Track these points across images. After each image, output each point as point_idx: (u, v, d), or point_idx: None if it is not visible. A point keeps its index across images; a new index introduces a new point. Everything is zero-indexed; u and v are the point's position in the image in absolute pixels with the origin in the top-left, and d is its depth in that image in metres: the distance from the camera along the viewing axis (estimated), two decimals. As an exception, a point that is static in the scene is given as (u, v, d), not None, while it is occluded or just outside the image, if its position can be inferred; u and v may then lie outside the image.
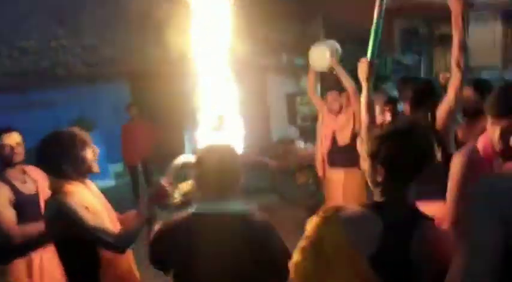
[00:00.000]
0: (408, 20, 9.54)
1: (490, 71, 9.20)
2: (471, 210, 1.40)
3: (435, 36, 9.74)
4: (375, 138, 1.51)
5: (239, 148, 2.20)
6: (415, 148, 1.44)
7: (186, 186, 2.12)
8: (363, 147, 2.43)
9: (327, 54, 4.35)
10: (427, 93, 2.77)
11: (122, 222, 2.24)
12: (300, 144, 6.72)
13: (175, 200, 2.07)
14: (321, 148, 4.64)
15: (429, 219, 1.44)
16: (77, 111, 7.24)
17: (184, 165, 2.21)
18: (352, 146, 4.17)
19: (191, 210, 1.74)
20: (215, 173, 1.70)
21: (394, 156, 1.45)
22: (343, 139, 4.41)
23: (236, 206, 1.71)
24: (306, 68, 5.15)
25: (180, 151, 8.80)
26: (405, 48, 9.46)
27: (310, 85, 4.75)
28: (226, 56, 2.29)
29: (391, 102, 3.68)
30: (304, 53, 4.87)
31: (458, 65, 2.42)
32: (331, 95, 4.50)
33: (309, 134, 6.70)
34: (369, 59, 2.38)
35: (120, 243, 2.01)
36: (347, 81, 4.29)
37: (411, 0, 8.52)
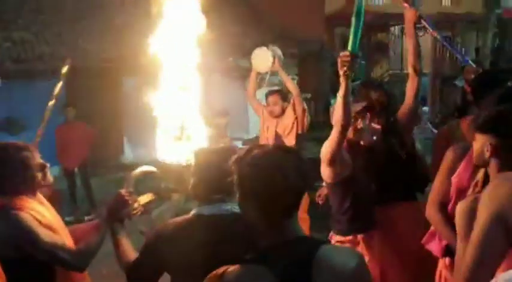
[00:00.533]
0: (348, 28, 9.92)
1: (422, 78, 9.88)
2: (477, 220, 1.48)
3: (372, 43, 10.24)
4: (239, 164, 1.24)
5: None
6: (278, 179, 1.19)
7: (145, 198, 2.00)
8: (327, 151, 2.31)
9: (270, 56, 4.44)
10: (389, 102, 2.72)
11: (72, 235, 2.03)
12: None
13: (135, 212, 1.92)
14: None
15: (326, 245, 1.24)
16: (5, 110, 6.73)
17: (144, 175, 2.10)
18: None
19: (193, 212, 1.65)
20: (216, 174, 1.63)
21: (260, 191, 1.20)
22: (290, 142, 4.47)
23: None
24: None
25: (119, 155, 8.48)
26: (326, 54, 9.80)
27: (251, 87, 4.77)
28: (178, 58, 2.20)
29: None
30: (249, 55, 4.91)
31: (415, 70, 2.62)
32: (272, 98, 4.54)
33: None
34: (350, 52, 2.12)
35: (79, 261, 1.84)
36: (291, 84, 4.45)
37: (349, 10, 8.87)
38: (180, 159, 2.07)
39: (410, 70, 2.65)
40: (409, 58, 2.66)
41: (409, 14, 2.67)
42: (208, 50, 2.22)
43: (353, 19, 2.18)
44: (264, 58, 4.49)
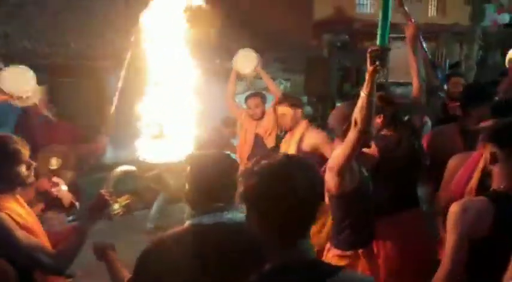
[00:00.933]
0: (335, 35, 10.00)
1: (405, 86, 10.05)
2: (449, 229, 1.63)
3: (358, 49, 10.31)
4: (247, 176, 1.15)
5: (182, 155, 2.05)
6: (291, 191, 1.09)
7: (124, 199, 1.97)
8: (340, 156, 2.19)
9: (254, 58, 4.52)
10: (406, 111, 2.76)
11: (51, 239, 1.96)
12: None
13: (115, 212, 1.91)
14: (241, 153, 4.68)
15: (343, 272, 1.14)
16: (-18, 106, 6.52)
17: (124, 175, 2.04)
18: (275, 149, 4.43)
19: (188, 222, 1.58)
20: (212, 180, 1.56)
21: (266, 205, 1.10)
22: (270, 143, 4.55)
23: (238, 215, 1.56)
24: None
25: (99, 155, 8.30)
26: (333, 60, 9.92)
27: (230, 89, 4.78)
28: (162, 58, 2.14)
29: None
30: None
31: (417, 77, 2.82)
32: (254, 101, 4.59)
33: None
34: (379, 45, 2.01)
35: (59, 264, 1.78)
36: (273, 87, 4.59)
37: (338, 17, 8.95)
38: (160, 157, 2.02)
39: (414, 79, 2.82)
40: (411, 66, 2.84)
41: (411, 29, 2.85)
42: (194, 50, 2.18)
43: (380, 12, 2.05)
44: (248, 59, 4.56)
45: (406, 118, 2.75)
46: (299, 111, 3.73)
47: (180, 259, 1.48)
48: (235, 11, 7.81)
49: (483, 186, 1.83)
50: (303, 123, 3.74)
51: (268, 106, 4.71)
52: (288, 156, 1.18)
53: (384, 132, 2.66)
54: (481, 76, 9.94)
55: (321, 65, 8.72)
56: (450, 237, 1.65)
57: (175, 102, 2.10)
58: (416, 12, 10.53)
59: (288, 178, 1.11)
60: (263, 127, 4.53)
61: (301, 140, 3.63)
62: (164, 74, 2.09)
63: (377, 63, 1.97)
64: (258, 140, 4.55)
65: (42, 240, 1.86)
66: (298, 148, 3.59)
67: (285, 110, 3.68)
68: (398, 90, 10.28)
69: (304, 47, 8.96)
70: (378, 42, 2.03)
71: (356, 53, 9.68)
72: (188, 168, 1.62)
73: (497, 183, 1.70)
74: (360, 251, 2.35)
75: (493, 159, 1.69)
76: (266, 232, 1.13)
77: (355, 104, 2.16)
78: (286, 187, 1.10)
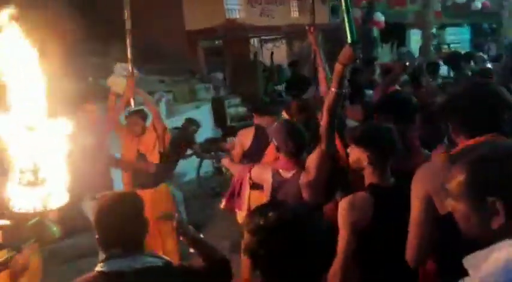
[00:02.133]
0: (210, 41, 10.18)
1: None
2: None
3: (234, 53, 10.65)
4: (254, 230, 1.13)
5: (62, 200, 1.81)
6: (304, 245, 1.09)
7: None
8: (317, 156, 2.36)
9: (124, 78, 4.47)
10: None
11: None
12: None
13: None
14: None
15: None
16: None
17: None
18: (158, 166, 4.46)
19: (97, 268, 1.49)
20: (120, 226, 1.51)
21: (277, 257, 1.09)
22: (154, 160, 4.51)
23: (150, 258, 1.54)
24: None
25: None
26: (210, 67, 10.10)
27: (111, 107, 4.66)
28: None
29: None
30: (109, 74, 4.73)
31: (325, 79, 2.92)
32: (132, 119, 4.52)
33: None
34: (352, 41, 2.14)
35: None
36: (150, 105, 4.61)
37: (209, 24, 9.14)
38: (36, 206, 1.80)
39: (323, 81, 2.92)
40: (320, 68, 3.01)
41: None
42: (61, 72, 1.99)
43: (344, 15, 2.22)
44: (119, 79, 4.51)
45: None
46: None
47: None
48: (105, 25, 7.46)
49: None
50: None
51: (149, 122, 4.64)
52: (295, 208, 1.20)
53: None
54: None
55: (247, 68, 9.51)
56: (341, 232, 1.82)
57: (48, 140, 1.83)
58: (280, 14, 11.25)
59: (298, 232, 1.11)
60: (144, 144, 4.47)
61: None
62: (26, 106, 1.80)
63: (342, 60, 2.11)
64: (142, 156, 4.49)
65: None
66: None
67: None
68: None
69: (180, 56, 8.95)
70: (349, 39, 2.14)
71: (231, 57, 10.01)
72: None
73: (370, 179, 1.95)
74: None
75: (367, 160, 1.94)
76: (274, 278, 1.13)
77: (294, 125, 2.52)
78: (297, 242, 1.10)
